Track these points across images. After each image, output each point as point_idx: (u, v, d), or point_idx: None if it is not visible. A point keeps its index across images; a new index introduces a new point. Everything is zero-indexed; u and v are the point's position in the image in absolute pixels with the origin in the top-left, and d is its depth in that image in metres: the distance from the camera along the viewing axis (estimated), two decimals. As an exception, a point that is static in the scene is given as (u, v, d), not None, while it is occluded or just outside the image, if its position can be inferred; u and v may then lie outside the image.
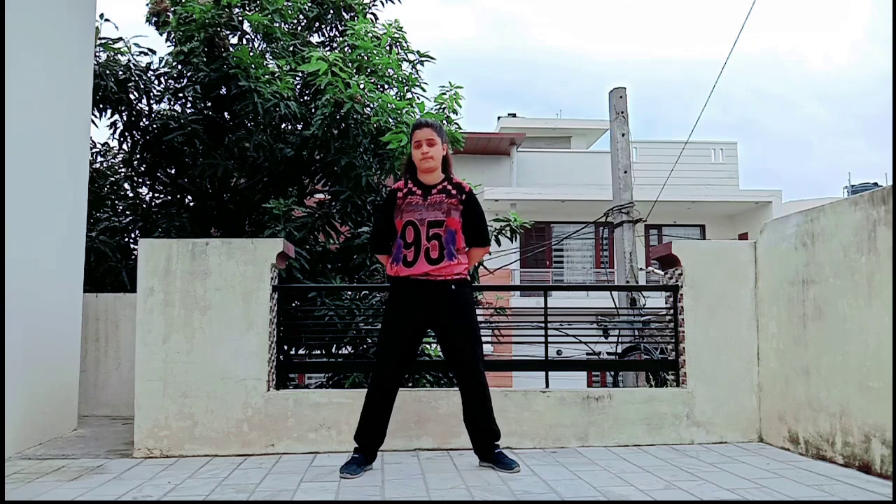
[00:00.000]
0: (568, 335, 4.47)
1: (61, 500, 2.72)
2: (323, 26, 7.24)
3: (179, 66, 6.38)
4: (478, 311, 6.76)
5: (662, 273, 4.30)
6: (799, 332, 3.52)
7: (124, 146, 6.63)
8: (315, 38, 7.28)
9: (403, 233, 3.20)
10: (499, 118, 21.52)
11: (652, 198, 10.17)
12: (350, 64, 6.11)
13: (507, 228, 6.64)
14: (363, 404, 3.24)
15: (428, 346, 6.01)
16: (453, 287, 3.17)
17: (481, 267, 6.56)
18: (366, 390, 3.31)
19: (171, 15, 6.38)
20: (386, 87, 6.47)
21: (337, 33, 7.26)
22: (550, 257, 18.36)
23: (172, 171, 6.71)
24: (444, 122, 6.65)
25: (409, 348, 3.24)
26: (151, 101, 6.55)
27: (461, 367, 3.20)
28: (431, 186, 3.24)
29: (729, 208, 18.30)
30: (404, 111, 6.05)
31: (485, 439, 3.23)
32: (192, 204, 6.74)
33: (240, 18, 6.35)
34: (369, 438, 3.21)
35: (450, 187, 3.25)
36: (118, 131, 6.44)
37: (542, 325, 4.05)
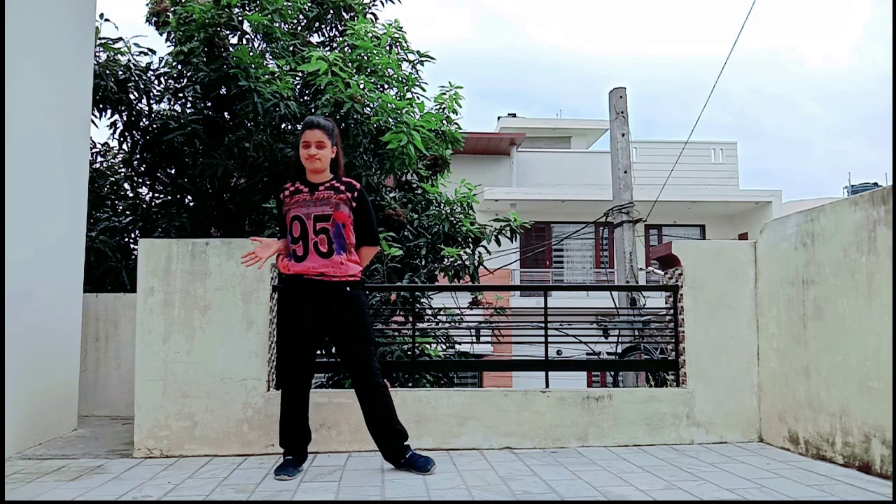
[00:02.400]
0: (568, 335, 4.47)
1: (61, 500, 2.72)
2: (323, 26, 7.24)
3: (179, 66, 6.39)
4: (478, 311, 6.82)
5: (662, 273, 4.30)
6: (799, 332, 3.52)
7: (124, 146, 6.64)
8: (315, 38, 7.29)
9: (291, 228, 3.18)
10: (499, 118, 21.51)
11: (652, 198, 10.17)
12: (350, 64, 6.11)
13: (507, 228, 6.65)
14: (281, 409, 3.22)
15: (428, 347, 6.02)
16: (348, 289, 3.16)
17: (481, 267, 6.57)
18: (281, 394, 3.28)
19: (171, 15, 6.38)
20: (386, 86, 6.47)
21: (337, 33, 7.26)
22: (550, 257, 18.36)
23: (172, 171, 6.71)
24: (444, 121, 6.66)
25: (312, 349, 3.22)
26: (151, 101, 6.55)
27: (359, 369, 3.17)
28: (319, 184, 3.22)
29: (729, 208, 18.30)
30: (404, 111, 6.05)
31: (392, 440, 3.18)
32: (192, 204, 6.75)
33: (240, 18, 6.36)
34: (295, 439, 3.21)
35: (338, 184, 3.23)
36: (118, 131, 6.45)
37: (542, 325, 4.05)
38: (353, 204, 3.22)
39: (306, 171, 3.26)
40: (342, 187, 3.22)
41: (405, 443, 3.20)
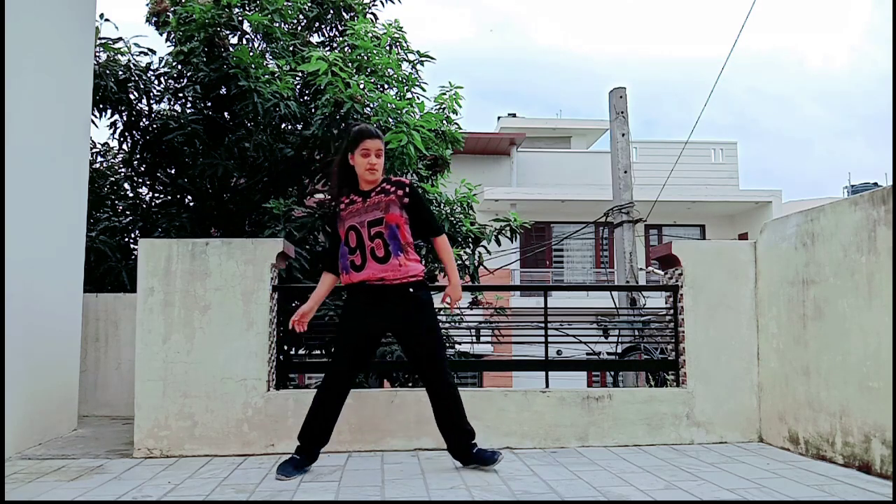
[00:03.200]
0: (568, 335, 4.47)
1: (61, 500, 2.72)
2: (323, 26, 7.24)
3: (179, 66, 6.38)
4: (478, 311, 6.82)
5: (662, 273, 4.30)
6: (799, 332, 3.52)
7: (124, 146, 6.63)
8: (315, 38, 7.29)
9: (347, 239, 3.16)
10: (499, 118, 21.52)
11: (652, 198, 10.17)
12: (350, 64, 6.11)
13: (507, 228, 6.65)
14: (312, 403, 3.18)
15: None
16: (411, 290, 3.13)
17: (481, 267, 6.57)
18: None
19: (171, 15, 6.38)
20: (386, 86, 6.47)
21: (337, 33, 7.26)
22: (550, 257, 18.36)
23: (172, 171, 6.71)
24: (444, 121, 6.66)
25: (364, 352, 3.20)
26: (151, 101, 6.55)
27: (429, 368, 3.16)
28: (370, 191, 3.20)
29: (729, 208, 18.30)
30: (404, 111, 6.05)
31: (463, 439, 3.19)
32: (192, 204, 6.74)
33: (240, 18, 6.35)
34: (317, 436, 3.16)
35: (387, 186, 3.20)
36: (118, 131, 6.44)
37: (542, 325, 4.05)
38: (406, 200, 3.17)
39: (359, 181, 3.22)
40: (391, 188, 3.19)
41: (473, 441, 3.20)
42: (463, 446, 3.19)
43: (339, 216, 3.23)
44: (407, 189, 3.20)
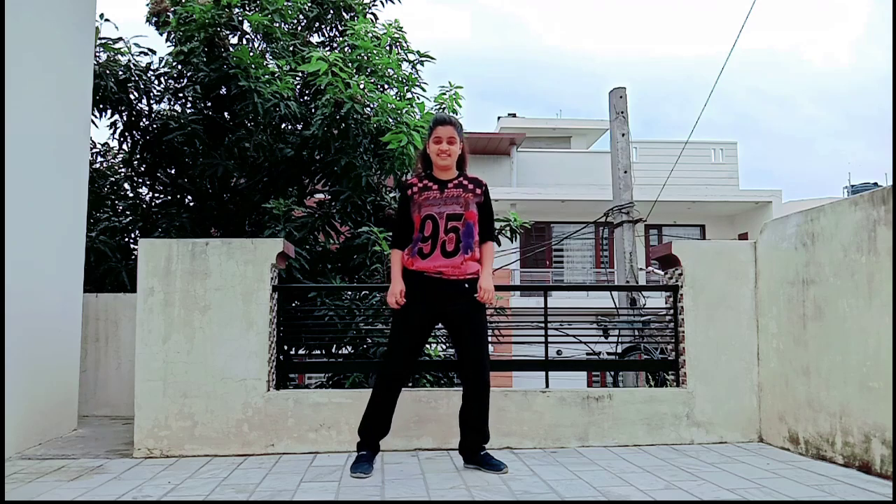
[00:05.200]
0: (568, 335, 4.46)
1: (61, 500, 2.72)
2: (323, 26, 7.24)
3: (179, 66, 6.38)
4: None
5: (662, 273, 4.30)
6: (799, 332, 3.52)
7: (124, 146, 6.63)
8: (315, 38, 7.28)
9: (423, 226, 3.21)
10: (499, 118, 21.51)
11: (652, 198, 10.17)
12: (350, 64, 6.11)
13: (507, 228, 6.64)
14: (371, 394, 3.25)
15: (428, 347, 6.01)
16: (466, 286, 3.19)
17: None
18: (369, 389, 3.37)
19: (171, 15, 6.38)
20: (386, 87, 6.47)
21: (337, 33, 7.26)
22: (550, 257, 18.36)
23: (172, 171, 6.71)
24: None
25: (419, 340, 3.26)
26: (151, 101, 6.55)
27: (468, 363, 3.21)
28: (447, 181, 3.27)
29: (729, 208, 18.30)
30: (404, 111, 6.05)
31: (475, 440, 3.23)
32: (192, 204, 6.74)
33: (240, 18, 6.35)
34: (377, 427, 3.24)
35: (466, 182, 3.29)
36: (118, 131, 6.44)
37: (542, 325, 4.05)
38: (480, 200, 3.29)
39: (433, 167, 3.30)
40: (470, 185, 3.29)
41: (484, 441, 3.25)
42: (474, 447, 3.24)
43: (412, 200, 3.28)
44: (483, 188, 3.33)
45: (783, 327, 3.66)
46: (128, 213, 6.70)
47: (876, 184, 23.01)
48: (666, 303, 4.22)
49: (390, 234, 5.73)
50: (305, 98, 6.62)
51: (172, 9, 6.39)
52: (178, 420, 3.58)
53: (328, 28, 7.27)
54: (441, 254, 3.17)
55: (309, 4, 6.90)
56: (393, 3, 7.42)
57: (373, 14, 7.20)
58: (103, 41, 6.23)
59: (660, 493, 2.76)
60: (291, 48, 6.62)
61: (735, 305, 3.90)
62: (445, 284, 3.17)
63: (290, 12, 6.61)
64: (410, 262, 3.23)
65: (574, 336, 4.58)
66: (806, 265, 3.49)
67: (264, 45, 6.58)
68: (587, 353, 5.13)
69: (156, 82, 6.56)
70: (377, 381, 3.28)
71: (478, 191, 3.29)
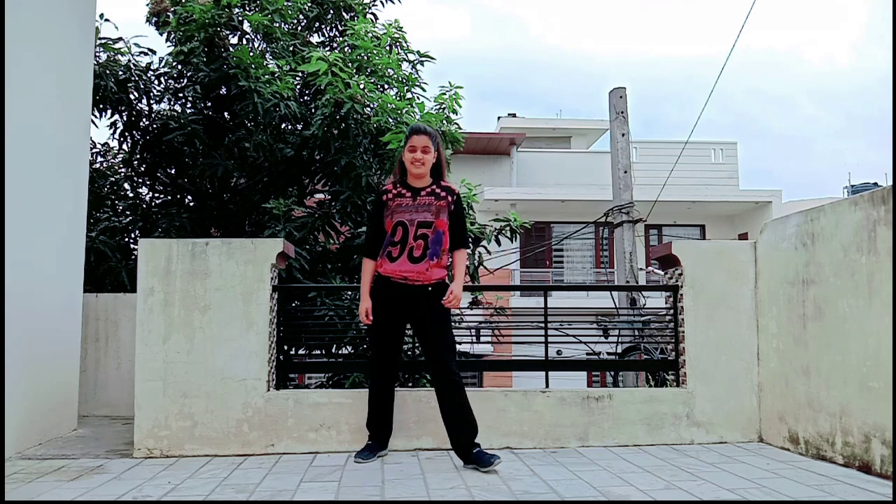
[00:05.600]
0: (568, 335, 4.47)
1: (61, 500, 2.72)
2: (323, 26, 7.24)
3: (179, 66, 6.38)
4: (478, 311, 6.82)
5: (662, 273, 4.30)
6: (799, 332, 3.52)
7: (124, 146, 6.63)
8: (315, 38, 7.28)
9: (394, 232, 3.32)
10: (499, 118, 21.52)
11: (652, 198, 10.17)
12: (350, 64, 6.11)
13: (507, 228, 6.64)
14: (368, 396, 3.47)
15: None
16: (430, 289, 3.30)
17: (481, 267, 6.57)
18: (367, 388, 3.50)
19: (171, 15, 6.37)
20: (386, 87, 6.47)
21: (337, 33, 7.26)
22: (550, 257, 18.36)
23: (172, 171, 6.71)
24: (444, 121, 6.66)
25: (394, 343, 3.40)
26: (151, 101, 6.55)
27: (435, 365, 3.30)
28: (420, 189, 3.37)
29: (729, 208, 18.30)
30: (404, 111, 6.05)
31: (460, 431, 3.26)
32: (192, 204, 6.74)
33: (240, 18, 6.35)
34: (379, 427, 3.45)
35: (438, 190, 3.38)
36: (118, 131, 6.44)
37: (542, 325, 4.05)
38: (452, 208, 3.36)
39: (408, 175, 3.39)
40: (443, 193, 3.37)
41: (475, 439, 3.26)
42: (463, 441, 3.25)
43: (386, 206, 3.38)
44: (455, 196, 3.39)
45: (783, 327, 3.66)
46: (128, 213, 6.70)
47: (876, 184, 23.01)
48: (666, 303, 4.22)
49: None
50: (305, 98, 6.62)
51: (172, 9, 6.39)
52: (178, 420, 3.58)
53: (328, 28, 7.27)
54: (408, 259, 3.28)
55: (309, 4, 6.90)
56: (393, 3, 7.43)
57: (373, 14, 7.20)
58: (103, 41, 6.23)
59: (660, 493, 2.76)
60: (291, 48, 6.62)
61: (735, 305, 3.90)
62: (411, 289, 3.28)
63: (290, 12, 6.61)
64: (380, 263, 3.36)
65: (574, 336, 4.59)
66: (806, 265, 3.49)
67: (264, 45, 6.57)
68: (587, 353, 5.14)
69: (156, 82, 6.56)
70: (370, 382, 3.49)
71: (450, 199, 3.36)
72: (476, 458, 3.18)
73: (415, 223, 3.29)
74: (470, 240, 6.52)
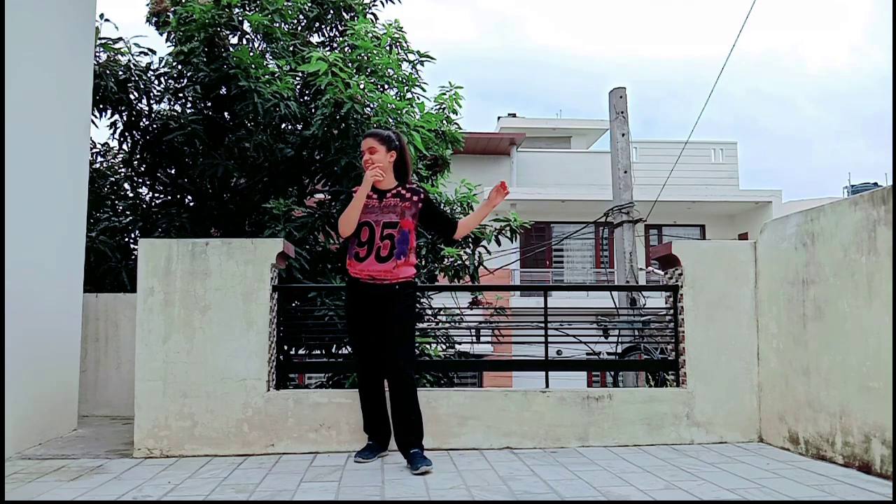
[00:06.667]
0: (568, 335, 4.47)
1: (61, 500, 2.72)
2: (323, 26, 7.23)
3: (179, 67, 6.38)
4: (478, 311, 6.81)
5: (662, 273, 4.30)
6: (799, 332, 3.52)
7: (124, 146, 6.63)
8: (315, 38, 7.28)
9: (359, 232, 3.39)
10: (499, 118, 21.52)
11: (652, 198, 10.17)
12: (350, 64, 6.11)
13: (507, 228, 6.64)
14: (360, 398, 3.52)
15: (428, 347, 6.02)
16: (397, 287, 3.34)
17: (481, 267, 6.57)
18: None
19: (171, 15, 6.37)
20: (386, 87, 6.47)
21: (337, 33, 7.26)
22: (550, 257, 18.35)
23: (172, 171, 6.71)
24: (444, 121, 6.66)
25: (374, 340, 3.41)
26: (151, 102, 6.54)
27: (391, 359, 3.33)
28: (386, 191, 3.44)
29: (729, 208, 18.29)
30: (404, 111, 6.05)
31: (405, 431, 3.32)
32: (192, 204, 6.74)
33: (240, 18, 6.35)
34: (375, 428, 3.48)
35: (404, 191, 3.44)
36: (118, 131, 6.44)
37: (542, 325, 4.04)
38: (421, 206, 3.43)
39: None
40: (408, 194, 3.43)
41: (414, 438, 3.29)
42: (403, 440, 3.33)
43: None
44: (422, 195, 3.46)
45: (783, 327, 3.66)
46: (128, 213, 6.70)
47: (876, 184, 23.00)
48: (666, 303, 4.22)
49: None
50: (305, 98, 6.62)
51: (172, 9, 6.38)
52: (178, 420, 3.58)
53: (328, 28, 7.27)
54: (375, 259, 3.34)
55: (309, 4, 6.90)
56: (393, 3, 7.42)
57: (373, 14, 7.19)
58: (103, 41, 6.23)
59: (660, 493, 2.76)
60: (291, 48, 6.62)
61: (735, 305, 3.90)
62: (379, 288, 3.34)
63: (290, 12, 6.61)
64: (349, 264, 3.43)
65: (574, 336, 4.59)
66: (806, 265, 3.49)
67: (264, 45, 6.57)
68: (587, 353, 5.14)
69: (156, 82, 6.56)
70: (358, 386, 3.54)
71: (415, 198, 3.43)
72: (410, 458, 3.24)
73: (380, 224, 3.35)
74: (470, 240, 6.54)
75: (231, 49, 6.21)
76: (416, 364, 3.41)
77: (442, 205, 6.72)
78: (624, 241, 8.89)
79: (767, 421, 3.79)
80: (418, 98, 6.53)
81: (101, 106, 6.16)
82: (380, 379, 3.46)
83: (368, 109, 5.96)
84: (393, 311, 3.33)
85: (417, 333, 4.42)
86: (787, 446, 3.59)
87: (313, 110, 6.22)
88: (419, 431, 3.32)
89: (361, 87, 5.92)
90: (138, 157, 6.63)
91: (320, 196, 6.85)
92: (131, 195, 6.90)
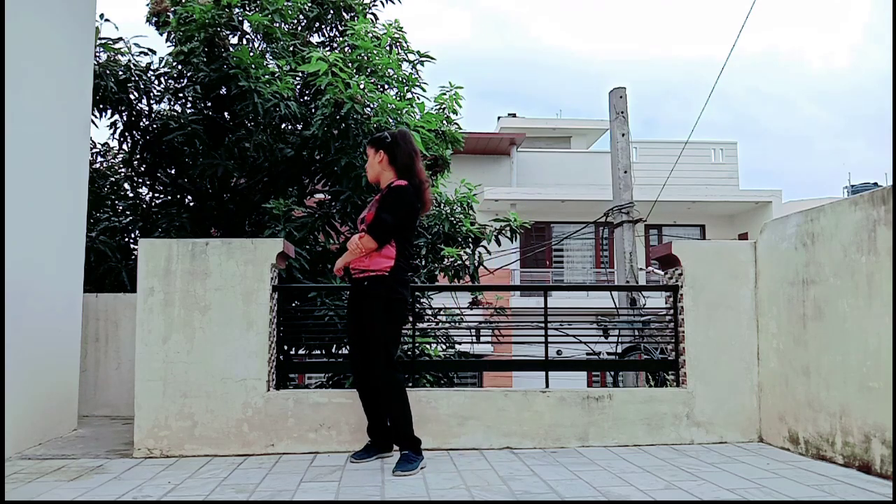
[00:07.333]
0: (568, 335, 4.46)
1: (61, 500, 2.72)
2: (323, 26, 7.24)
3: (179, 66, 6.38)
4: (478, 311, 6.82)
5: (662, 273, 4.30)
6: (799, 332, 3.52)
7: (124, 146, 6.64)
8: (315, 38, 7.28)
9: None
10: (499, 118, 21.51)
11: (652, 198, 10.17)
12: (350, 64, 6.11)
13: (507, 228, 6.64)
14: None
15: (428, 347, 6.02)
16: (365, 283, 3.34)
17: (481, 267, 6.57)
18: None
19: (171, 15, 6.38)
20: (386, 87, 6.47)
21: (337, 33, 7.26)
22: (550, 257, 18.35)
23: (172, 171, 6.71)
24: (444, 122, 6.66)
25: (357, 340, 3.41)
26: (151, 102, 6.55)
27: (366, 360, 3.36)
28: (379, 191, 3.51)
29: (729, 208, 18.29)
30: (404, 111, 6.05)
31: (392, 433, 3.37)
32: (192, 204, 6.75)
33: (240, 18, 6.35)
34: (373, 429, 3.47)
35: (385, 189, 3.44)
36: (118, 131, 6.44)
37: (542, 325, 4.04)
38: (379, 197, 3.43)
39: None
40: (385, 190, 3.43)
41: (400, 440, 3.30)
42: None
43: None
44: (386, 190, 3.41)
45: (783, 327, 3.66)
46: (128, 213, 6.70)
47: (876, 184, 23.00)
48: (666, 303, 4.22)
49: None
50: (305, 98, 6.62)
51: (172, 9, 6.39)
52: (178, 420, 3.58)
53: (328, 28, 7.27)
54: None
55: (309, 4, 6.90)
56: (393, 3, 7.43)
57: (373, 14, 7.20)
58: (103, 41, 6.23)
59: (660, 493, 2.76)
60: (291, 48, 6.62)
61: (735, 305, 3.90)
62: (356, 283, 3.39)
63: (290, 12, 6.61)
64: None
65: (574, 336, 4.58)
66: (806, 265, 3.49)
67: (264, 46, 6.57)
68: (587, 353, 5.14)
69: (156, 82, 6.56)
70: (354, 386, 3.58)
71: (384, 191, 3.42)
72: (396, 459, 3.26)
73: (362, 220, 3.44)
74: (470, 240, 6.54)
75: (231, 49, 6.21)
76: (395, 365, 3.29)
77: (442, 205, 6.73)
78: (624, 241, 8.89)
79: (767, 421, 3.79)
80: (418, 98, 6.53)
81: (101, 106, 6.16)
82: (364, 374, 3.41)
83: (368, 109, 5.97)
84: (366, 311, 3.32)
85: (417, 333, 4.42)
86: (787, 446, 3.59)
87: (313, 110, 6.22)
88: (404, 434, 3.27)
89: (361, 87, 5.93)
90: (138, 157, 6.64)
91: (320, 196, 6.85)
92: (131, 195, 6.91)
